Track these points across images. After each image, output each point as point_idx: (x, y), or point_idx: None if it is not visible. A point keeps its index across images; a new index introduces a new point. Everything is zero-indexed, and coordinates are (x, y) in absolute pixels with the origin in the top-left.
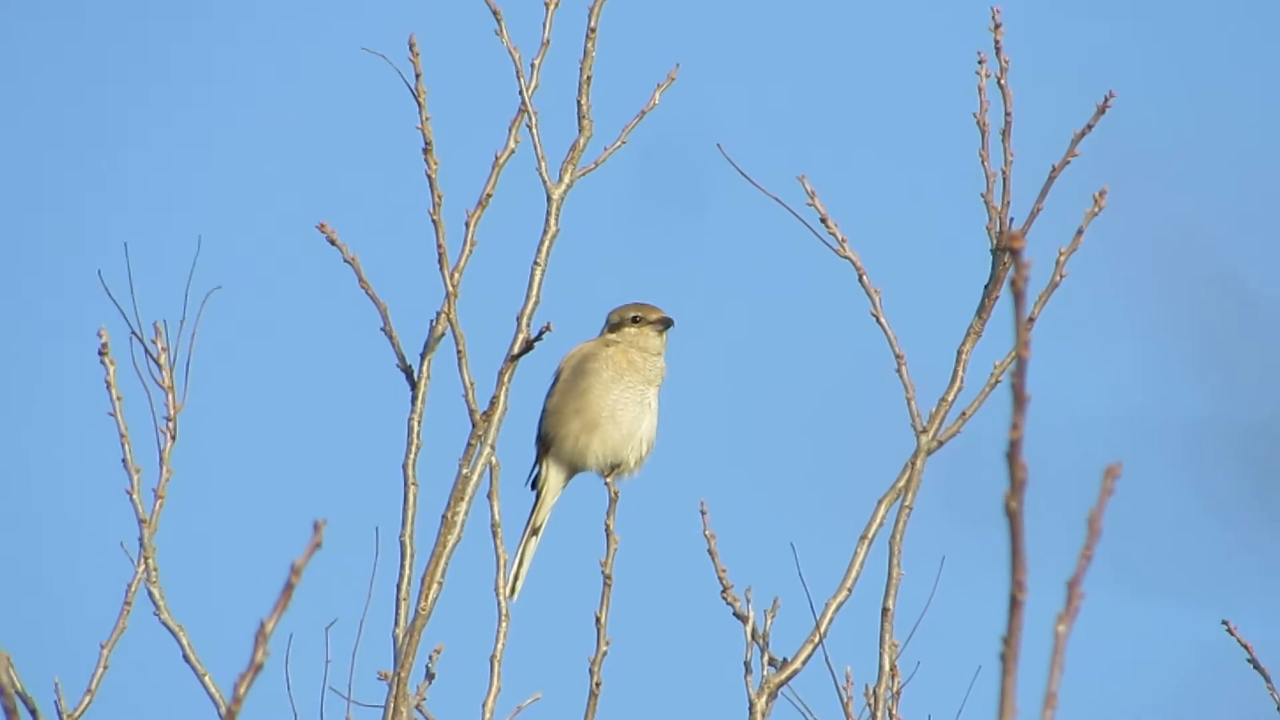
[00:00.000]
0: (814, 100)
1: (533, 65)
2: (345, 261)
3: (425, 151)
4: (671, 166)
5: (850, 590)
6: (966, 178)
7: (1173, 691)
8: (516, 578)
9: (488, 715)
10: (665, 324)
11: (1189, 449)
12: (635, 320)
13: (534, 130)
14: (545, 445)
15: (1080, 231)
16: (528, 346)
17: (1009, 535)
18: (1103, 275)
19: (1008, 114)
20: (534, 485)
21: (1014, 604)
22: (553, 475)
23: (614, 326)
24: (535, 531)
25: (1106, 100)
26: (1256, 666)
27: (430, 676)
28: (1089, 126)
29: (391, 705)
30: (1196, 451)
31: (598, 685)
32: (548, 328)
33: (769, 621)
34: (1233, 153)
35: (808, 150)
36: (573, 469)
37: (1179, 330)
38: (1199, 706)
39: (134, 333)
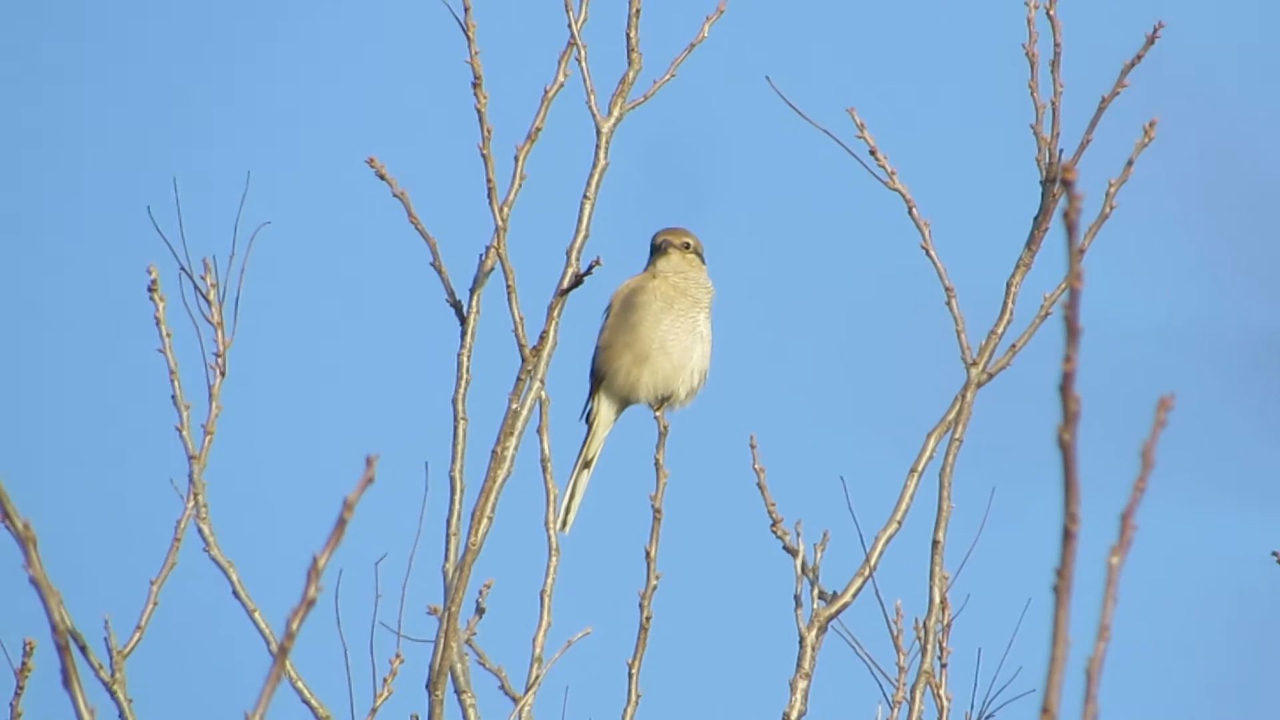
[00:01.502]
0: (862, 33)
1: None
2: (394, 196)
3: (475, 85)
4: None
5: (900, 523)
6: (1016, 109)
7: (1227, 607)
8: (568, 510)
9: (538, 650)
10: (685, 246)
11: (1243, 361)
12: (665, 245)
13: (583, 64)
14: (598, 380)
15: (1130, 163)
16: (577, 281)
17: (1062, 467)
18: (1153, 192)
19: (1057, 45)
20: (587, 419)
21: (1067, 536)
22: (604, 409)
23: (652, 250)
24: (587, 465)
25: (1156, 30)
26: None
27: (480, 611)
28: (1138, 57)
29: (442, 640)
30: (1251, 364)
31: (648, 619)
32: (597, 262)
33: (819, 555)
34: None
35: (855, 84)
36: (624, 402)
37: (1230, 243)
38: (1255, 625)
39: (183, 268)
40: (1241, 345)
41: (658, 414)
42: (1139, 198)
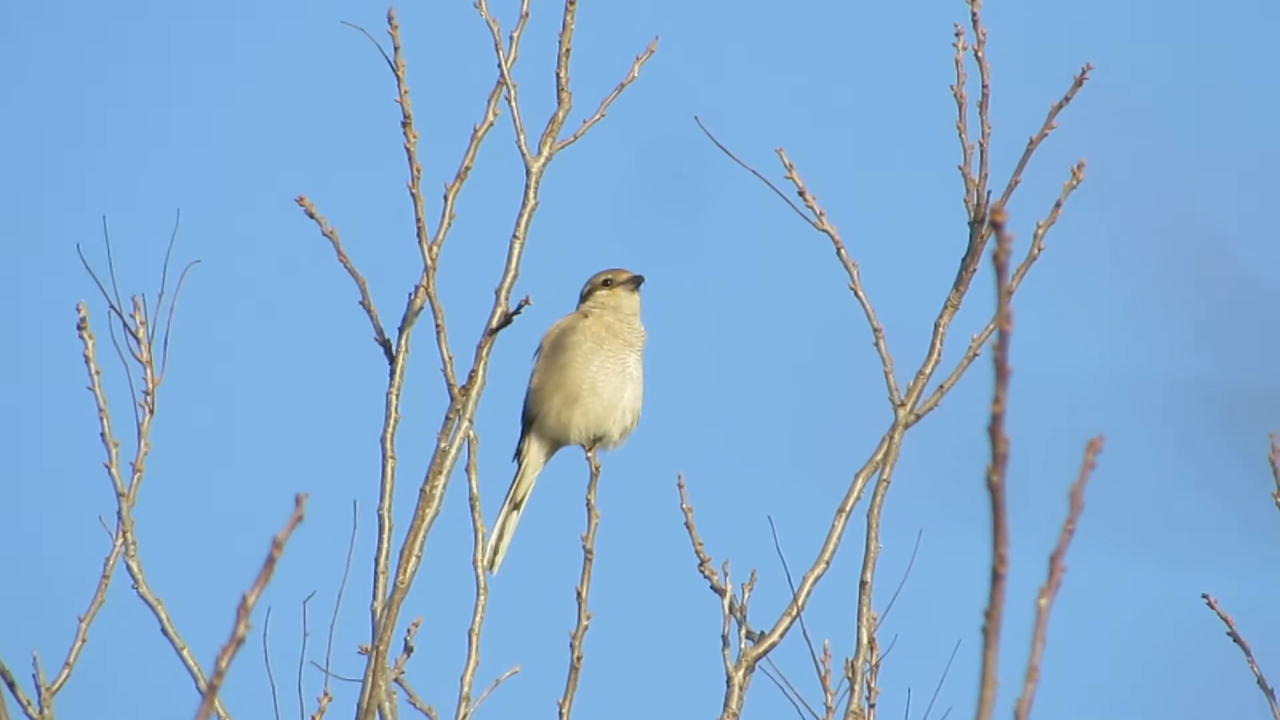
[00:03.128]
0: (791, 74)
1: (512, 38)
2: (324, 235)
3: (404, 124)
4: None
5: (828, 563)
6: (944, 150)
7: (1154, 656)
8: (496, 551)
9: (466, 688)
10: (636, 282)
11: (1173, 412)
12: (606, 284)
13: (513, 103)
14: (529, 421)
15: (1058, 204)
16: (506, 320)
17: (991, 509)
18: (1083, 239)
19: (985, 86)
20: (518, 459)
21: (996, 577)
22: (535, 449)
23: (586, 295)
24: (516, 506)
25: (1084, 72)
26: (1237, 640)
27: (409, 650)
28: (1066, 99)
29: (370, 678)
30: (1181, 415)
31: (578, 659)
32: (526, 301)
33: (746, 594)
34: (1224, 120)
35: (785, 124)
36: (556, 443)
37: (1163, 294)
38: (1180, 672)
39: (113, 306)
40: (1171, 392)
41: (589, 454)
42: (1069, 241)
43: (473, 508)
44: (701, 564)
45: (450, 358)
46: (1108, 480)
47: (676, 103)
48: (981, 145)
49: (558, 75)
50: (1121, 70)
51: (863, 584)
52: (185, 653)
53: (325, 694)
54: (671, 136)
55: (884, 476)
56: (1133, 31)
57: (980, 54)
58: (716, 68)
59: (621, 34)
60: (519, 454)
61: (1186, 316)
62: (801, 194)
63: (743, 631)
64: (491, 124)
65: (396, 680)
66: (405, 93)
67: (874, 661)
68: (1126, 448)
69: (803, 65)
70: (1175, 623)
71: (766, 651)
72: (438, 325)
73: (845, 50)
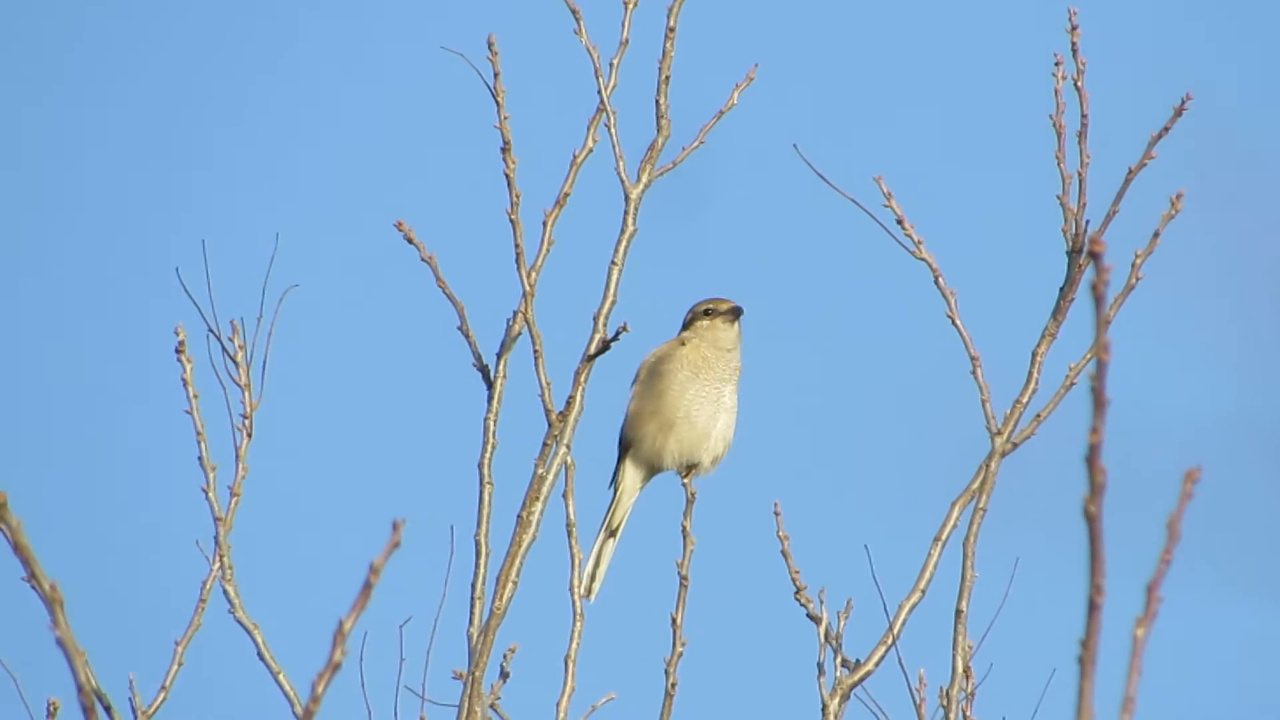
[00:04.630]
0: (890, 101)
1: (611, 64)
2: (423, 260)
3: (503, 150)
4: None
5: (924, 591)
6: (1043, 180)
7: (1256, 694)
8: (593, 578)
9: (562, 715)
10: (735, 313)
11: (1273, 448)
12: (708, 313)
13: (612, 129)
14: (625, 447)
15: (1157, 234)
16: (604, 346)
17: (1088, 539)
18: (1190, 273)
19: (1084, 116)
20: (614, 485)
21: (1092, 607)
22: (630, 475)
23: (688, 323)
24: (613, 532)
25: (1184, 102)
26: None
27: (505, 675)
28: (1165, 129)
29: (466, 704)
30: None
31: (673, 686)
32: (624, 328)
33: (842, 623)
34: None
35: (882, 152)
36: (650, 469)
37: (1270, 329)
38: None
39: (211, 330)
40: (1273, 431)
41: (685, 481)
42: (1175, 276)
43: (569, 534)
44: (797, 592)
45: (548, 384)
46: (1212, 515)
47: (777, 130)
48: (1080, 175)
49: (657, 102)
50: (1227, 97)
51: (958, 612)
52: (281, 677)
53: (421, 719)
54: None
55: (980, 505)
56: (1235, 60)
57: (1080, 84)
58: (817, 95)
59: (721, 60)
60: (615, 480)
61: None
62: (900, 222)
63: (838, 660)
64: (591, 150)
65: (492, 706)
66: (505, 119)
67: (969, 690)
68: (1231, 484)
69: (902, 94)
70: (1276, 658)
71: (862, 680)
72: (536, 351)
73: (943, 79)
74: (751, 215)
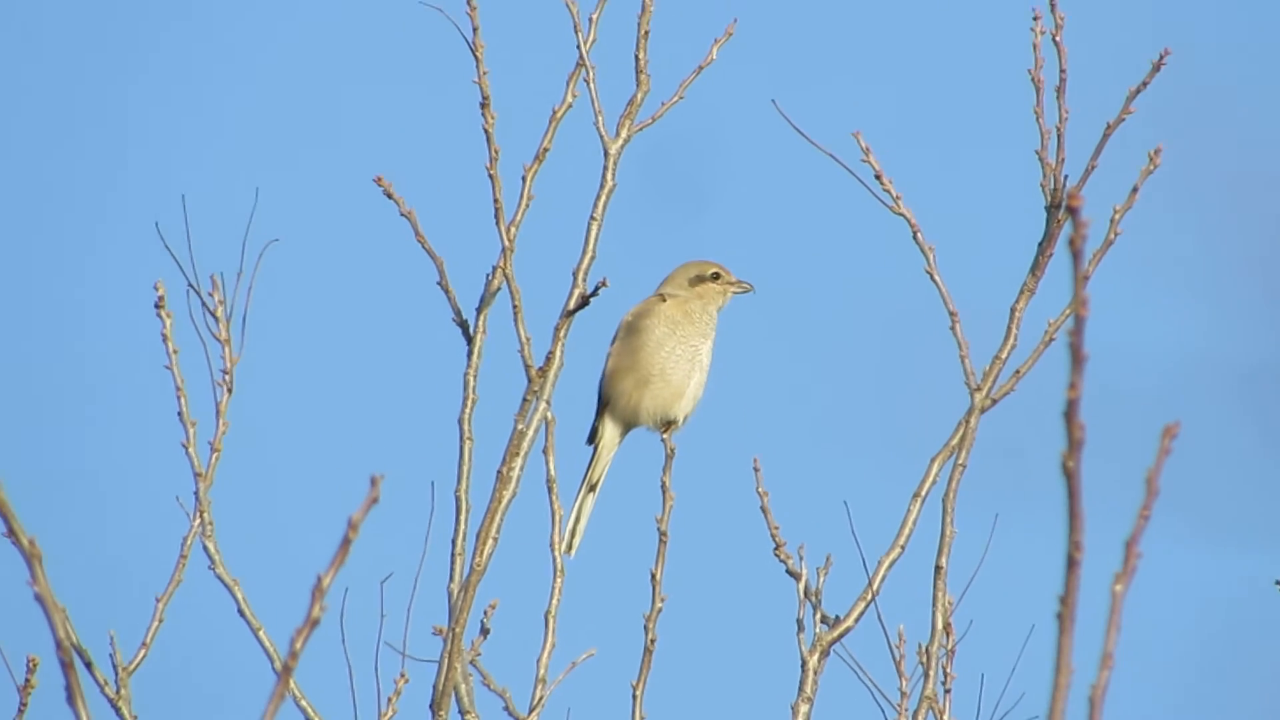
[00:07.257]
0: (868, 56)
1: (591, 20)
2: (402, 215)
3: (482, 106)
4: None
5: (903, 548)
6: (1021, 134)
7: (1228, 636)
8: (574, 534)
9: (542, 671)
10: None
11: (1249, 394)
12: (716, 277)
13: (591, 85)
14: (603, 403)
15: (1135, 189)
16: (584, 302)
17: (1066, 495)
18: (1163, 219)
19: (1062, 70)
20: (592, 441)
21: (1071, 563)
22: (609, 431)
23: (695, 280)
24: (592, 488)
25: (1162, 57)
26: None
27: (485, 631)
28: (1144, 84)
29: (446, 660)
30: (1256, 397)
31: (652, 642)
32: (604, 283)
33: (821, 579)
34: None
35: (860, 108)
36: (628, 425)
37: (1240, 272)
38: (1255, 652)
39: (191, 285)
40: (1248, 375)
41: (665, 437)
42: (1148, 224)
43: (550, 490)
44: (777, 548)
45: (528, 339)
46: (1183, 462)
47: (754, 86)
48: (1059, 130)
49: (636, 57)
50: (1203, 53)
51: (938, 569)
52: (261, 633)
53: (401, 675)
54: (748, 114)
55: (960, 461)
56: (1214, 14)
57: (1058, 38)
58: (794, 51)
59: (700, 15)
60: (593, 436)
61: (1260, 293)
62: (878, 177)
63: (817, 616)
64: (570, 105)
65: (472, 662)
66: (484, 74)
67: (949, 646)
68: (1202, 429)
69: (880, 49)
70: (1247, 604)
71: (841, 636)
72: (515, 306)
73: (921, 34)
74: (729, 172)
